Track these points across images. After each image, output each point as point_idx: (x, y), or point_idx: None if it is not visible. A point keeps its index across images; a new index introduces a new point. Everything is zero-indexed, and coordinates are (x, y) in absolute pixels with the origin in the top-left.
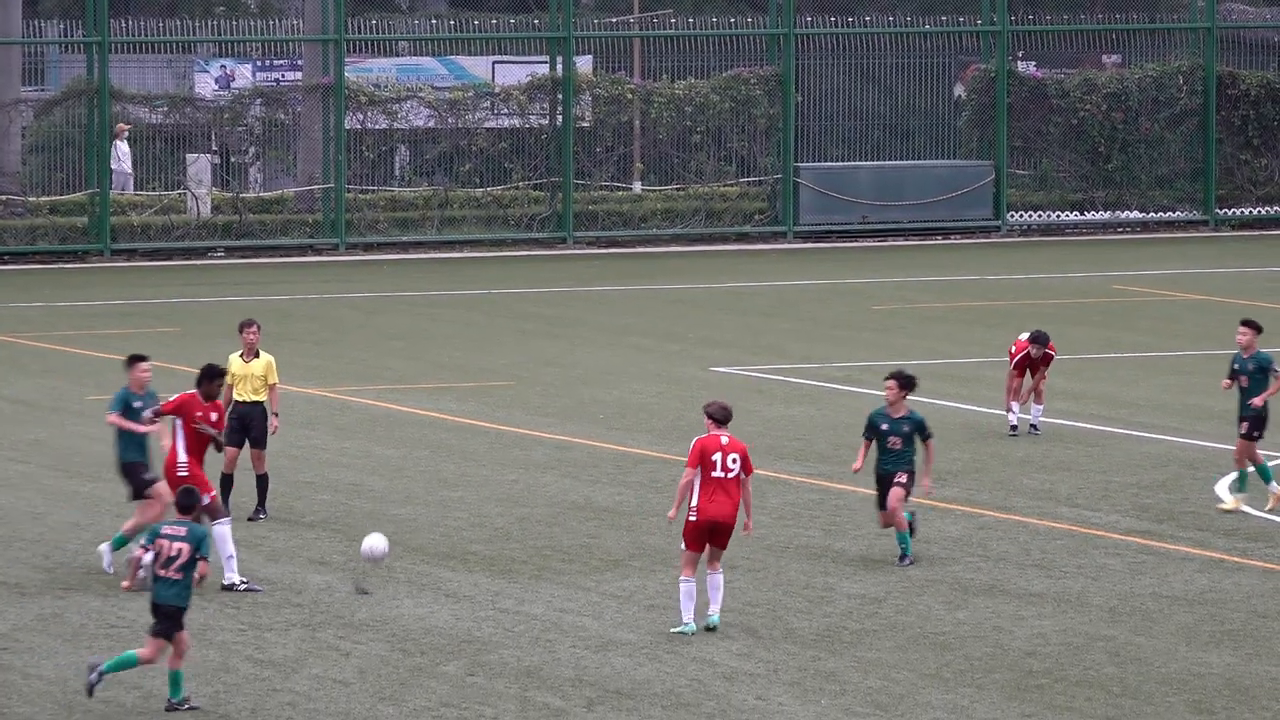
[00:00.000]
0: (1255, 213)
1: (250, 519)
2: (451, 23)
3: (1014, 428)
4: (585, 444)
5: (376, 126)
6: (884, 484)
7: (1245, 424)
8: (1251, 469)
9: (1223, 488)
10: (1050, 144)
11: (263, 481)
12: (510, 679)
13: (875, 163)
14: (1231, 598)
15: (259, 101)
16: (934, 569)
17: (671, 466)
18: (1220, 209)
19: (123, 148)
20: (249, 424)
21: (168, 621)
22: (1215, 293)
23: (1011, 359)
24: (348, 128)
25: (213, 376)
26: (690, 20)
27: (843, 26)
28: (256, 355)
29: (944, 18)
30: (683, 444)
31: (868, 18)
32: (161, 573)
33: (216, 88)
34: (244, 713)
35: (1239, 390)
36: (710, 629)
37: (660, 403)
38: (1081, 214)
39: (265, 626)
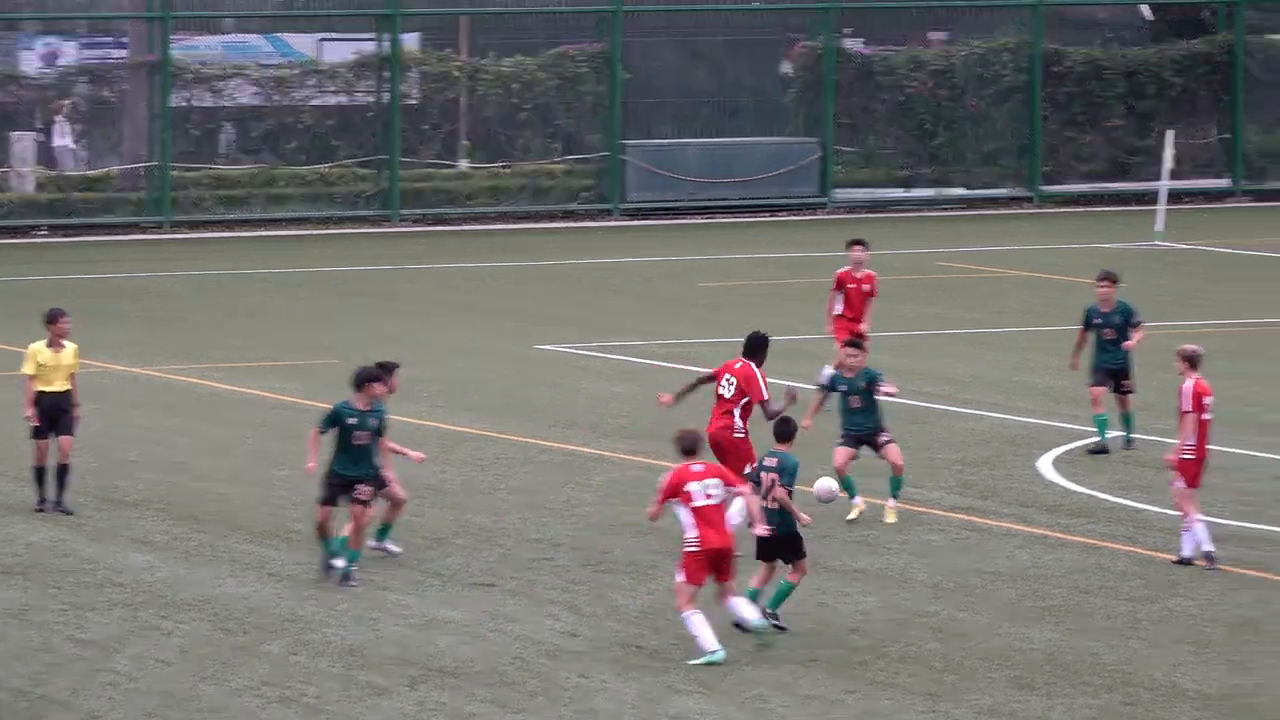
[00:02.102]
0: (1080, 189)
1: (53, 509)
2: (277, 0)
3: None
4: (409, 422)
5: (202, 104)
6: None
7: (1113, 376)
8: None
9: (1046, 463)
10: (877, 121)
11: (64, 471)
12: (333, 658)
13: (703, 140)
14: (1054, 573)
15: (84, 79)
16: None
17: (497, 444)
18: (1045, 186)
19: (64, 126)
20: (57, 414)
21: None
22: (1040, 269)
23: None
24: (173, 105)
25: None
26: None
27: (671, 3)
28: (64, 346)
29: None
30: (508, 422)
31: None
32: None
33: (40, 64)
34: (65, 693)
35: (1098, 344)
36: (768, 629)
37: (485, 380)
38: (907, 190)
39: (86, 606)
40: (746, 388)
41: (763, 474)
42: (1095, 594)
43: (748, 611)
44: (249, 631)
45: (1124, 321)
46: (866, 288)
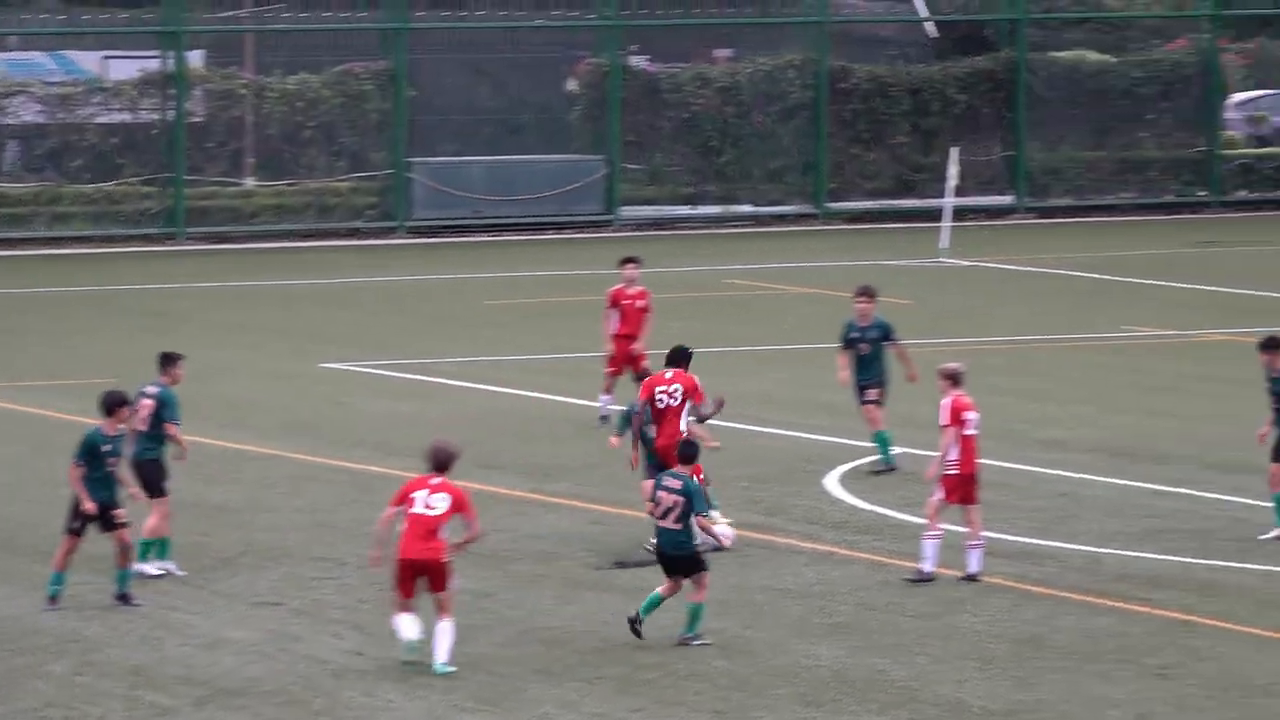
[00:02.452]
0: (865, 206)
1: None
2: (62, 17)
3: (604, 418)
4: (195, 441)
5: None
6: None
7: (875, 390)
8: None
9: (833, 480)
10: (663, 138)
11: None
12: (118, 678)
13: (488, 157)
14: (840, 590)
15: None
16: (544, 564)
17: (283, 463)
18: (831, 202)
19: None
20: None
21: None
22: (826, 286)
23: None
24: None
25: None
26: (302, 15)
27: (455, 21)
28: None
29: (556, 12)
30: (294, 440)
31: (480, 12)
32: None
33: None
34: None
35: (857, 360)
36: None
37: (270, 399)
38: (694, 208)
39: None
40: (692, 394)
41: (662, 493)
42: (882, 610)
43: (408, 630)
44: (32, 652)
45: (881, 337)
46: (640, 304)
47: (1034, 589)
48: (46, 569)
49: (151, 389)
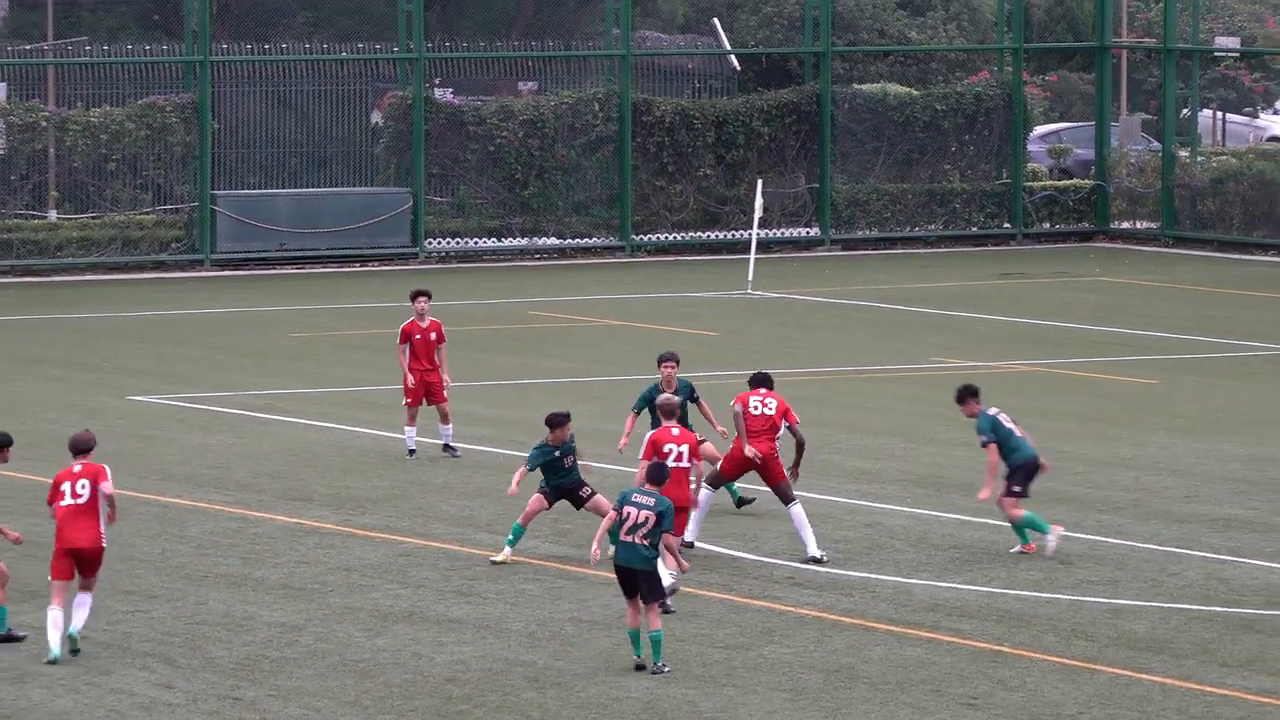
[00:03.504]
0: (671, 238)
1: None
2: None
3: (411, 451)
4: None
5: None
6: None
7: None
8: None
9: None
10: (468, 171)
11: None
12: None
13: (293, 190)
14: None
15: None
16: (354, 596)
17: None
18: (636, 235)
19: None
20: None
21: None
22: (631, 318)
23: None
24: None
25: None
26: (105, 48)
27: (259, 54)
28: None
29: (360, 45)
30: None
31: (284, 45)
32: None
33: None
34: None
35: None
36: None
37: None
38: (499, 240)
39: None
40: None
41: (631, 508)
42: (691, 641)
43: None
44: None
45: (685, 399)
46: (433, 336)
47: (843, 619)
48: None
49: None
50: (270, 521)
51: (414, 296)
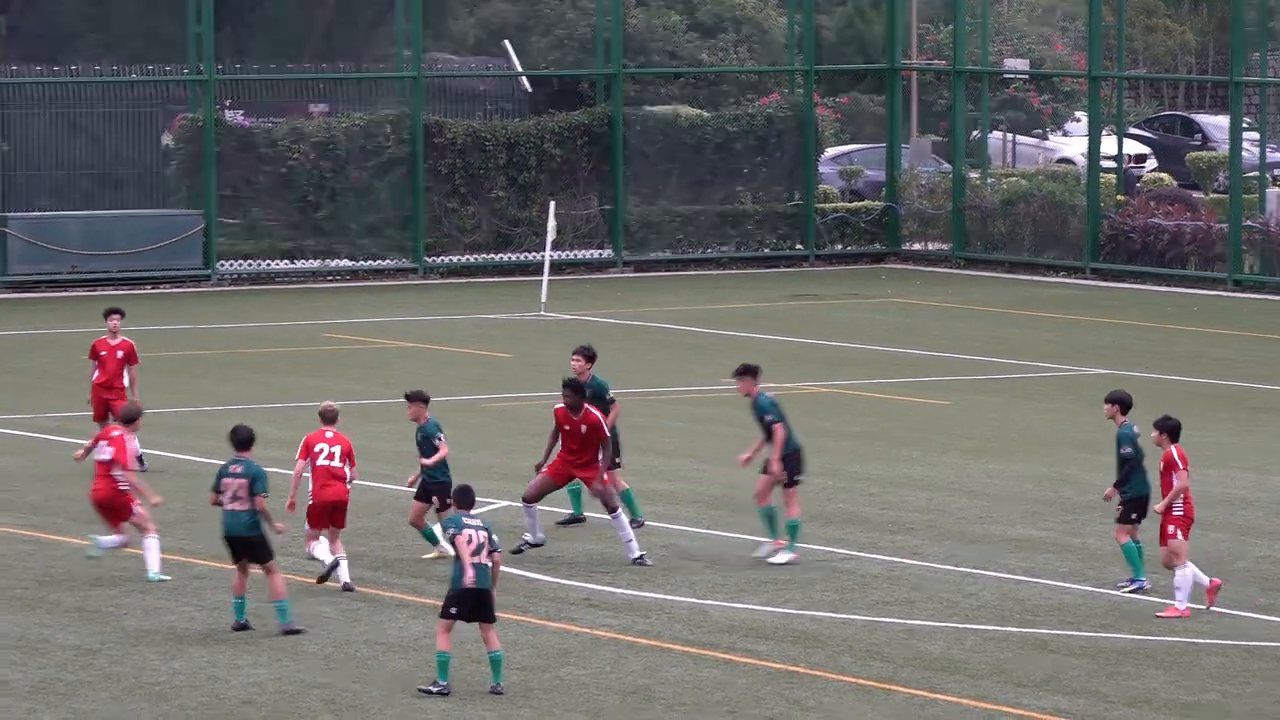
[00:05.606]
0: (464, 260)
1: None
2: None
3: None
4: None
5: None
6: None
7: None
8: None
9: (437, 531)
10: (260, 193)
11: None
12: None
13: (85, 212)
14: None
15: None
16: (149, 618)
17: None
18: (429, 256)
19: None
20: None
21: None
22: (424, 340)
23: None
24: None
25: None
26: None
27: (49, 75)
28: None
29: (151, 66)
30: None
31: (74, 66)
32: None
33: None
34: None
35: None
36: None
37: None
38: (292, 262)
39: None
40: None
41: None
42: (484, 662)
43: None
44: None
45: (595, 396)
46: (120, 354)
47: (640, 640)
48: None
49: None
50: (64, 544)
51: (107, 314)
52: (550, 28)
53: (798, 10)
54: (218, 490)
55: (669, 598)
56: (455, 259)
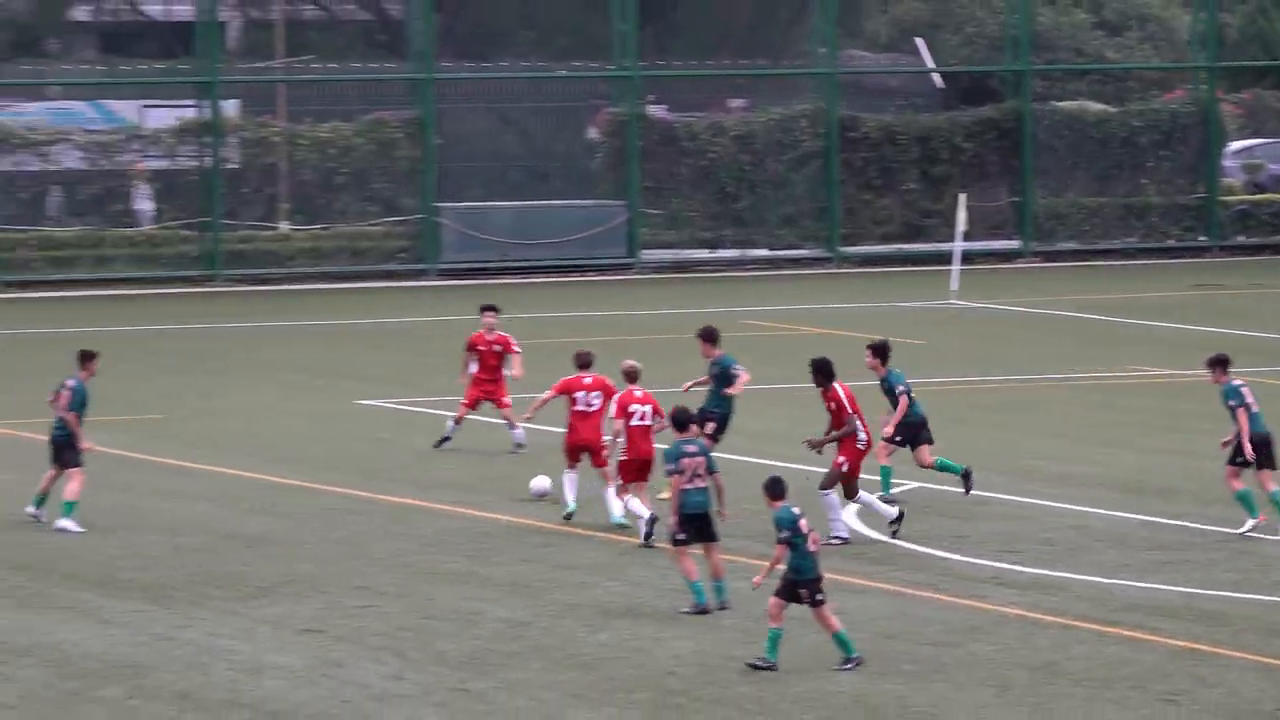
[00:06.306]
0: (877, 250)
1: None
2: (101, 68)
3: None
4: (236, 475)
5: (29, 168)
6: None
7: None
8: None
9: (850, 513)
10: (681, 184)
11: None
12: (167, 701)
13: (514, 203)
14: (859, 619)
15: None
16: (577, 593)
17: (321, 496)
18: (844, 246)
19: (144, 189)
20: None
21: None
22: (840, 326)
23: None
24: (1, 170)
25: None
26: (333, 65)
27: (481, 71)
28: None
29: (578, 63)
30: (332, 474)
31: (504, 63)
32: None
33: None
34: None
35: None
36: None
37: (309, 436)
38: (712, 251)
39: None
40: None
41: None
42: (899, 639)
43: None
44: (85, 677)
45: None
46: (498, 349)
47: (1046, 617)
48: (96, 598)
49: (71, 381)
50: (494, 521)
51: (483, 310)
52: (961, 25)
53: (1201, 8)
54: (679, 471)
55: (1075, 576)
56: (869, 248)
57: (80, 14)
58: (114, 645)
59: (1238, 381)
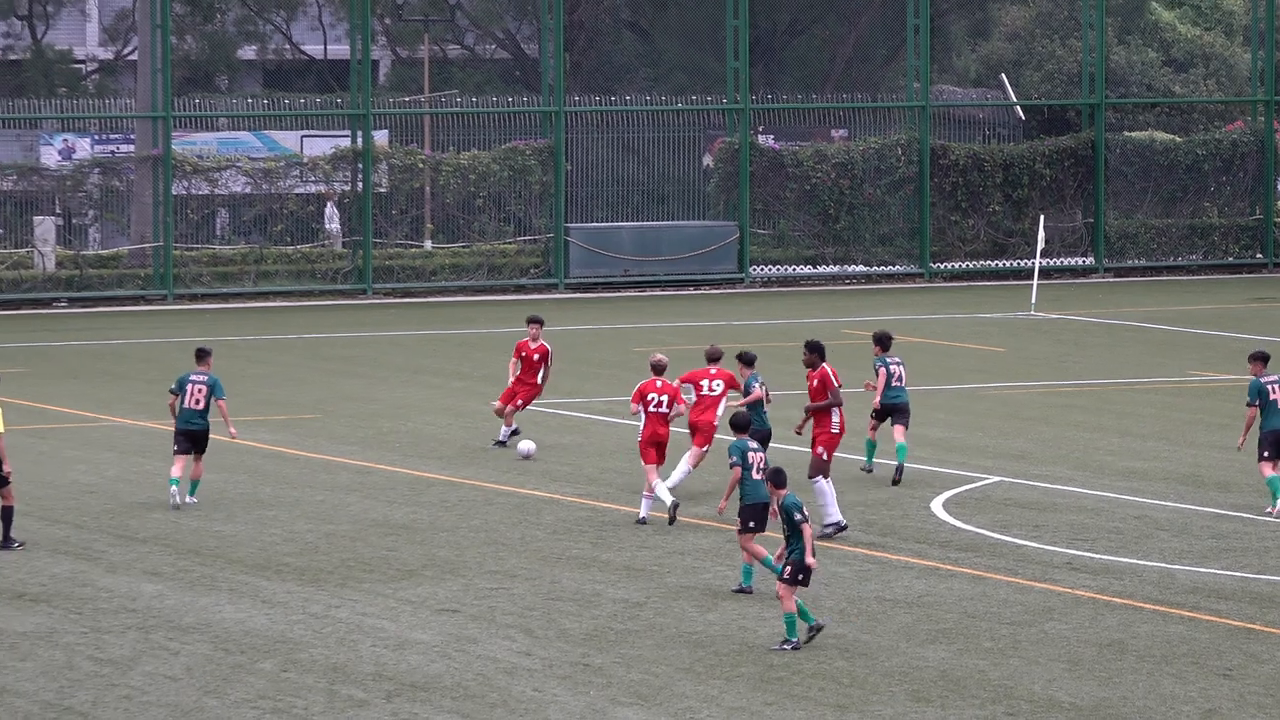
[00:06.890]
0: (964, 266)
1: (2, 548)
2: (265, 101)
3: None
4: (383, 469)
5: (200, 192)
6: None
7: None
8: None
9: (938, 505)
10: (786, 207)
11: (9, 513)
12: (319, 674)
13: (635, 223)
14: (945, 600)
15: (96, 171)
16: (688, 576)
17: (460, 488)
18: (934, 263)
19: (330, 210)
20: None
21: None
22: (930, 336)
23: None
24: (175, 193)
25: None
26: (474, 99)
27: (606, 105)
28: None
29: (694, 97)
30: (469, 469)
31: (628, 97)
32: None
33: (59, 158)
34: (86, 705)
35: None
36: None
37: (449, 433)
38: (814, 268)
39: (104, 629)
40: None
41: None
42: (981, 619)
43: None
44: (245, 651)
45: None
46: (537, 357)
47: (1114, 600)
48: (256, 580)
49: (201, 377)
50: (615, 511)
51: (529, 322)
52: (1041, 63)
53: (1260, 46)
54: (745, 466)
55: (1140, 562)
56: (956, 265)
57: (247, 53)
58: (272, 623)
59: (1272, 378)
